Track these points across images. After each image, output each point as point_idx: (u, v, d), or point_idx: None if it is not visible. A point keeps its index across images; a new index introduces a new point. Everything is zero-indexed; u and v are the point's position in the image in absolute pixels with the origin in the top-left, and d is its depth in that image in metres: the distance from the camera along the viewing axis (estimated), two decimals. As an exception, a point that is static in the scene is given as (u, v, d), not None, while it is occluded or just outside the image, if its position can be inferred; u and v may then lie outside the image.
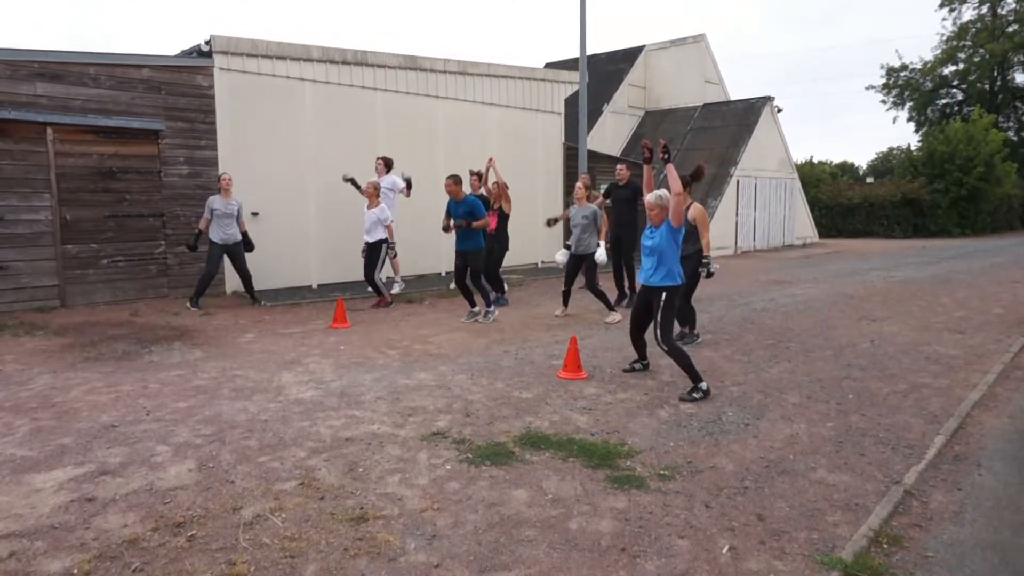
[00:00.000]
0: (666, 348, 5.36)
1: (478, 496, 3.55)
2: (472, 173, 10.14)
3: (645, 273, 5.52)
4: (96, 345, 6.93)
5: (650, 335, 5.67)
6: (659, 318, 5.39)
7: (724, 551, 3.02)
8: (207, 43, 9.86)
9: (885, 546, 3.10)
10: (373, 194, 9.29)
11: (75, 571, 2.82)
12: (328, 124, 11.22)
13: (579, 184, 8.84)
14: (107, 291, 9.20)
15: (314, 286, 11.00)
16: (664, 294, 5.38)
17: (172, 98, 9.59)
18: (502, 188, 9.73)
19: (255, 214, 10.22)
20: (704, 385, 5.30)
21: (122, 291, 9.33)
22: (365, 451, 4.16)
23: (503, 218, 9.82)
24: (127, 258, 9.36)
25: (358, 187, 9.67)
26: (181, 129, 9.70)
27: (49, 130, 8.60)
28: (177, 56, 10.15)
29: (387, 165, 10.30)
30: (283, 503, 3.45)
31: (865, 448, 4.27)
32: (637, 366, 6.09)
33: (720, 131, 20.88)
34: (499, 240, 9.69)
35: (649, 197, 5.46)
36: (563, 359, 6.07)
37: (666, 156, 5.30)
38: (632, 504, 3.46)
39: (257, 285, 10.02)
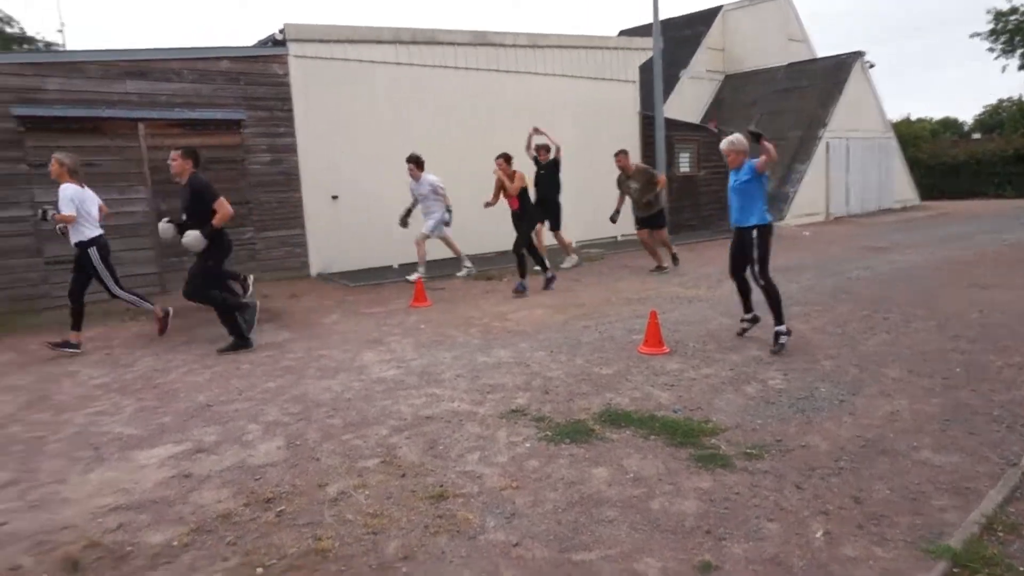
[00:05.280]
0: (762, 283, 5.64)
1: (558, 474, 3.50)
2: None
3: (734, 214, 5.79)
4: (192, 329, 7.28)
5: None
6: (755, 255, 5.63)
7: (818, 535, 2.86)
8: (281, 32, 10.08)
9: (1000, 534, 2.85)
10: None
11: (175, 543, 2.96)
12: (401, 104, 11.32)
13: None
14: (202, 277, 9.63)
15: (395, 266, 11.18)
16: (755, 232, 5.62)
17: (251, 88, 9.89)
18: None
19: (335, 197, 10.46)
20: (784, 327, 5.64)
21: (215, 276, 9.74)
22: (445, 429, 4.18)
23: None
24: (218, 245, 9.76)
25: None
26: (261, 118, 10.00)
27: (140, 125, 9.04)
28: (254, 46, 10.44)
29: (419, 165, 9.71)
30: (366, 480, 3.51)
31: (976, 426, 3.95)
32: (746, 324, 6.09)
33: (807, 91, 19.81)
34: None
35: (722, 144, 5.80)
36: (644, 334, 5.92)
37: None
38: (717, 484, 3.32)
39: (341, 267, 10.30)
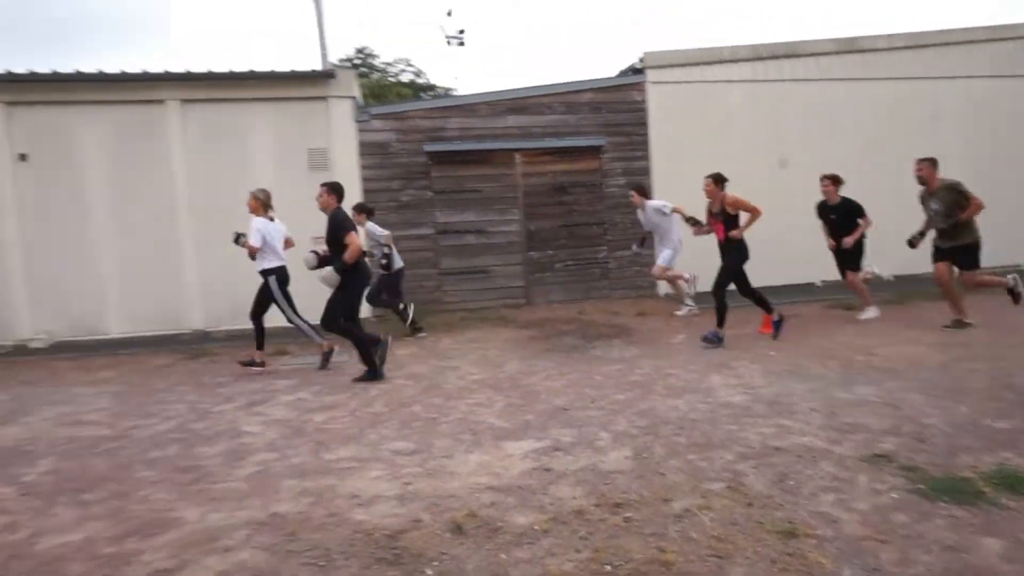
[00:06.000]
0: None
1: (932, 535, 3.07)
2: (826, 177, 8.51)
3: None
4: (551, 339, 8.03)
5: None
6: None
7: None
8: (640, 60, 10.60)
9: None
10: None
11: (536, 527, 3.32)
12: (755, 122, 11.00)
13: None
14: (560, 291, 10.60)
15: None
16: None
17: (610, 115, 10.59)
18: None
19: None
20: None
21: (571, 292, 10.63)
22: (796, 463, 3.96)
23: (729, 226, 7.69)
24: (576, 262, 10.65)
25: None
26: (619, 143, 10.63)
27: (517, 155, 10.32)
28: (614, 77, 11.15)
29: (641, 192, 9.15)
30: (710, 503, 3.50)
31: None
32: None
33: None
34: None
35: None
36: (1057, 385, 4.85)
37: None
38: None
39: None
